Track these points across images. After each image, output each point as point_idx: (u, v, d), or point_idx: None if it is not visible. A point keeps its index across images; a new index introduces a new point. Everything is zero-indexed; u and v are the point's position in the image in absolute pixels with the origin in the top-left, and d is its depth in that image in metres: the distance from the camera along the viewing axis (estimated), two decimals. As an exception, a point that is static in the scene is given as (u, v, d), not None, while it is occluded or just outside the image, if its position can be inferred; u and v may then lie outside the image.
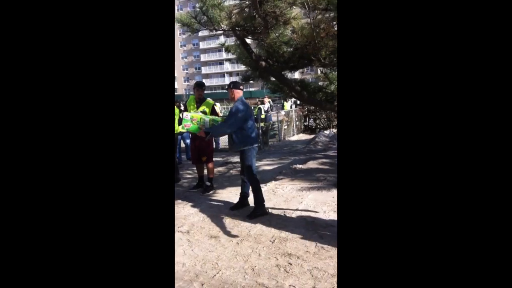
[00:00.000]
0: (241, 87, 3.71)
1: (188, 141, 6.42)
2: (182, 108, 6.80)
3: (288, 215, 3.33)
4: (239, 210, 3.55)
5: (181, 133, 6.27)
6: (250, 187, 3.54)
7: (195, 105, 4.38)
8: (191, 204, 3.91)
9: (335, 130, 9.37)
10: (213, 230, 3.06)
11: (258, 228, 3.02)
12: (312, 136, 9.44)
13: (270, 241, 2.74)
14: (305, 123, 10.82)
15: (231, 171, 5.77)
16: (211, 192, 4.38)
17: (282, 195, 4.04)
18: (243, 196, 3.64)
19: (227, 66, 47.00)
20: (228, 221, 3.27)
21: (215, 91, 44.10)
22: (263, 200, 3.37)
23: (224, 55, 46.48)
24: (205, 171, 4.58)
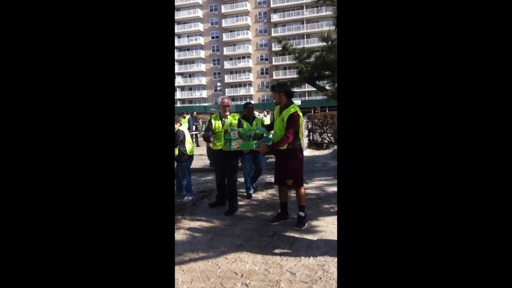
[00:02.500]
0: None
1: None
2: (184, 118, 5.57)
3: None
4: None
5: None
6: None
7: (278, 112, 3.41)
8: (298, 247, 2.87)
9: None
10: None
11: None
12: (325, 151, 8.80)
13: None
14: (309, 138, 10.14)
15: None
16: (306, 225, 3.37)
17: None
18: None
19: (179, 80, 45.15)
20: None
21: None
22: None
23: (176, 69, 44.69)
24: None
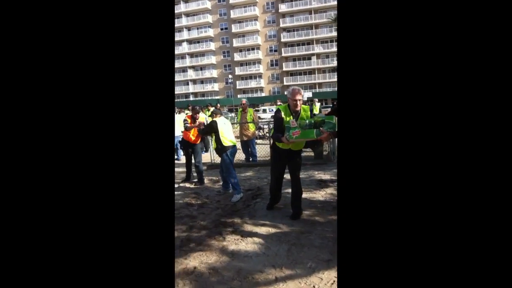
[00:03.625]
0: None
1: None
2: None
3: None
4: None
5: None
6: None
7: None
8: None
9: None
10: None
11: None
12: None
13: None
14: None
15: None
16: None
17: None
18: None
19: (191, 74, 44.66)
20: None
21: (178, 100, 41.65)
22: None
23: (187, 62, 44.25)
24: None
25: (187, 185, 5.52)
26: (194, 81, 45.18)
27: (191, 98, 42.94)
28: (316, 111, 12.35)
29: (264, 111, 33.95)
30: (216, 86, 44.29)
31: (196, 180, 5.59)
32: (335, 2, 38.17)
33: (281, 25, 41.21)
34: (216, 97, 41.16)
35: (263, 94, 42.19)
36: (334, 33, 38.85)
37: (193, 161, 5.66)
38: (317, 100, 13.74)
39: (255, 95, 42.58)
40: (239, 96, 41.62)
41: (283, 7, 41.08)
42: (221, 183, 5.40)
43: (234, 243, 2.99)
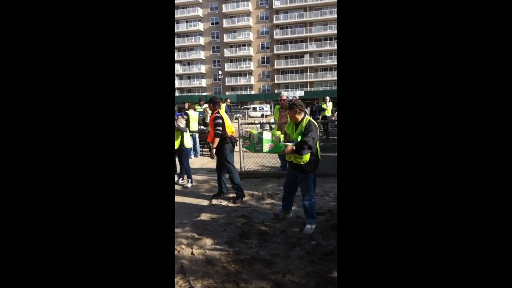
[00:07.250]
0: None
1: None
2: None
3: None
4: None
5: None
6: None
7: None
8: None
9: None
10: None
11: None
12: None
13: None
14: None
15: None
16: None
17: None
18: None
19: (178, 68, 42.56)
20: None
21: (163, 95, 39.67)
22: None
23: (174, 56, 42.23)
24: None
25: (223, 202, 4.22)
26: (181, 76, 43.27)
27: (177, 94, 41.06)
28: (328, 113, 10.89)
29: (254, 109, 32.99)
30: (204, 82, 42.61)
31: (234, 196, 4.30)
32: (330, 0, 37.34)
33: (275, 21, 40.08)
34: (204, 93, 39.51)
35: (252, 92, 40.95)
36: (329, 31, 38.16)
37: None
38: (328, 98, 11.71)
39: (244, 92, 41.26)
40: (227, 93, 40.17)
41: (277, 3, 39.94)
42: (268, 201, 4.15)
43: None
